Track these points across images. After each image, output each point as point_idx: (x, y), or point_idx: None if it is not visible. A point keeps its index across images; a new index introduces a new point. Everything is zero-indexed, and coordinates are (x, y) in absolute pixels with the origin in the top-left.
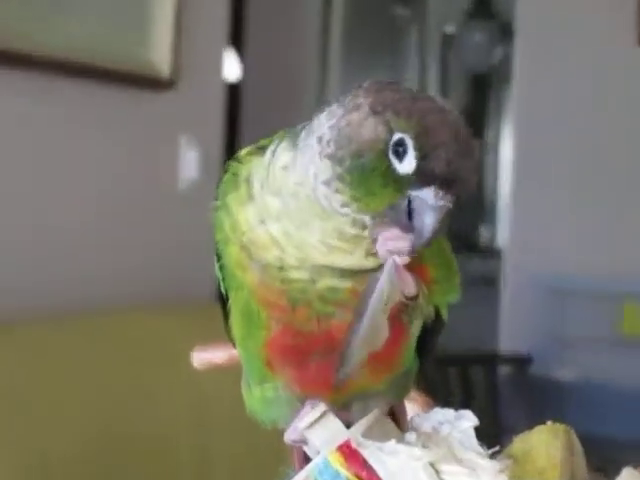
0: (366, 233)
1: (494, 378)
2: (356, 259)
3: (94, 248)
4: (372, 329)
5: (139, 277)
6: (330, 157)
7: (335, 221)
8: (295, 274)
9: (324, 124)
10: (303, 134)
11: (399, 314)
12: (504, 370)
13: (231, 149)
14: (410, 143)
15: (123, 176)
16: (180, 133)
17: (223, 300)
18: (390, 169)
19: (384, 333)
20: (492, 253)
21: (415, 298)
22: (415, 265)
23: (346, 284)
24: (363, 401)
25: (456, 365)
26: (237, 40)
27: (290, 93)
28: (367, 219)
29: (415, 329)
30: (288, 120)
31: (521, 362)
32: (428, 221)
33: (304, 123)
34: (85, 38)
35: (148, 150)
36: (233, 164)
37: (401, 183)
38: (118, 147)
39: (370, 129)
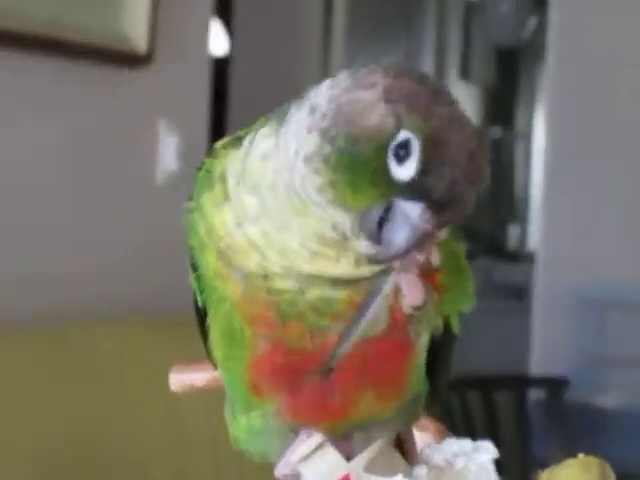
0: (349, 240)
1: (523, 404)
2: (344, 268)
3: (55, 250)
4: (371, 324)
5: (109, 283)
6: (321, 132)
7: (313, 219)
8: (281, 284)
9: (323, 93)
10: (292, 109)
11: (404, 327)
12: (535, 395)
13: (218, 136)
14: (416, 148)
15: (92, 167)
16: (159, 117)
17: (201, 316)
18: (384, 168)
19: (381, 324)
20: (522, 258)
21: (422, 307)
22: (422, 270)
23: (341, 294)
24: (366, 430)
25: (479, 388)
26: (224, 10)
27: (287, 71)
28: (343, 219)
29: (423, 344)
30: (284, 102)
31: (555, 385)
32: (400, 237)
33: (294, 100)
34: (51, 9)
35: (121, 137)
36: (207, 160)
37: (390, 187)
38: (86, 133)
39: (377, 117)
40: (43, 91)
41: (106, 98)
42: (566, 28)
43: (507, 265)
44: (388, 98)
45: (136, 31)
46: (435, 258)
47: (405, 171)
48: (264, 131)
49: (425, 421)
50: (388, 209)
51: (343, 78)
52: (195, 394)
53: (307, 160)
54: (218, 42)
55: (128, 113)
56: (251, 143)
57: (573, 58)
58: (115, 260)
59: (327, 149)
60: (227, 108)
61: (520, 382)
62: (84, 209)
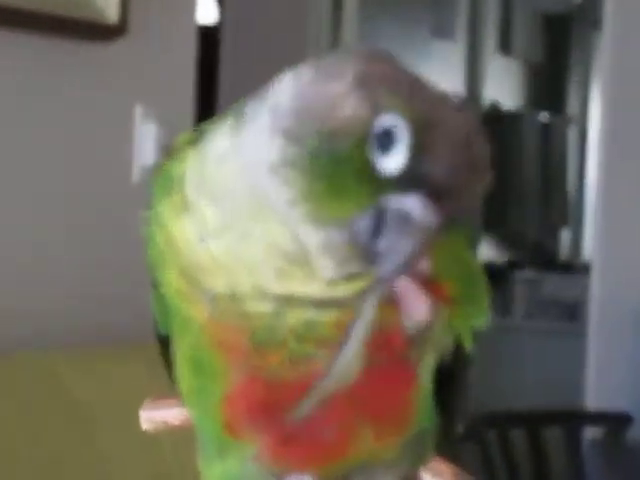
0: (311, 255)
1: (577, 444)
2: (318, 288)
3: (14, 259)
4: (347, 364)
5: (76, 303)
6: (285, 134)
7: (279, 235)
8: (255, 306)
9: (284, 89)
10: (250, 106)
11: (404, 350)
12: (592, 433)
13: (206, 120)
14: (403, 131)
15: (54, 161)
16: (135, 101)
17: (163, 342)
18: (368, 163)
19: (356, 367)
20: (576, 269)
21: (428, 325)
22: (427, 280)
23: (327, 316)
24: (365, 474)
25: (524, 425)
26: None
27: (288, 41)
28: (313, 236)
29: (427, 370)
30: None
31: (615, 422)
32: (403, 244)
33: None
34: None
35: (90, 124)
36: (165, 160)
37: (380, 185)
38: (47, 120)
39: (350, 105)
40: None
41: (70, 78)
42: None
43: (558, 278)
44: (361, 84)
45: None
46: (423, 263)
47: (393, 160)
48: (223, 128)
49: (438, 463)
50: (379, 214)
51: (307, 70)
52: (178, 436)
53: (273, 169)
54: (206, 8)
55: (97, 95)
56: (207, 145)
57: (636, 26)
58: (82, 275)
59: (295, 153)
60: (217, 85)
61: (573, 418)
62: (48, 212)
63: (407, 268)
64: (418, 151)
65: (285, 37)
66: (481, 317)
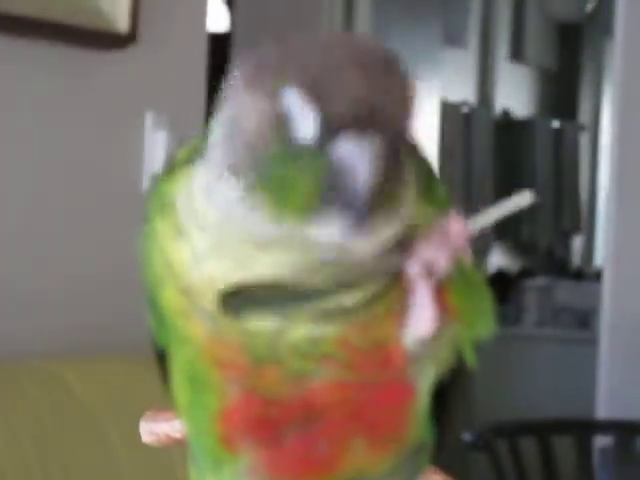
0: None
1: (588, 453)
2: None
3: (21, 268)
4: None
5: (74, 311)
6: (231, 169)
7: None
8: (255, 323)
9: (215, 129)
10: (209, 137)
11: (404, 366)
12: (603, 442)
13: None
14: (298, 95)
15: (65, 170)
16: (145, 109)
17: (160, 357)
18: (294, 146)
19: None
20: (588, 277)
21: (432, 340)
22: (436, 294)
23: (330, 331)
24: None
25: (535, 434)
26: None
27: None
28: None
29: (426, 382)
30: None
31: (627, 431)
32: (359, 173)
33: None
34: None
35: (101, 134)
36: (162, 177)
37: (314, 155)
38: (58, 128)
39: (252, 108)
40: (6, 75)
41: (82, 86)
42: None
43: (570, 285)
44: (250, 83)
45: (115, 6)
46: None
47: (306, 123)
48: (201, 159)
49: (433, 475)
50: (329, 175)
51: (220, 102)
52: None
53: (241, 203)
54: (216, 16)
55: (108, 103)
56: (195, 172)
57: None
58: (92, 282)
59: (245, 180)
60: None
61: (584, 427)
62: (54, 217)
63: (377, 191)
64: (316, 100)
65: None
66: (485, 328)
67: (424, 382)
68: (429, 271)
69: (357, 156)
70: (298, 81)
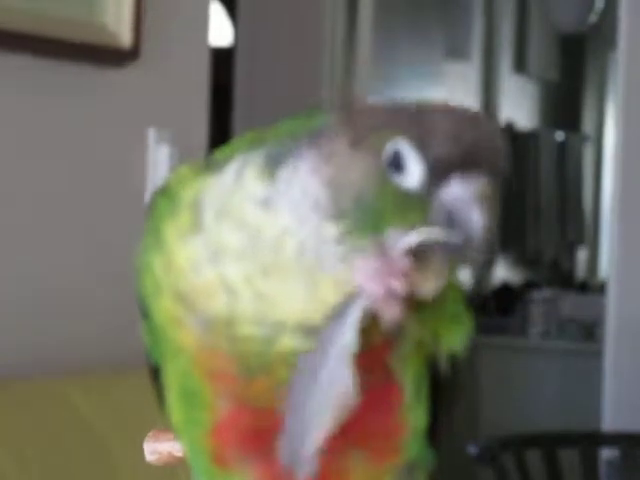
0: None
1: (594, 465)
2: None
3: (17, 285)
4: (330, 384)
5: (92, 329)
6: (333, 217)
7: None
8: (249, 330)
9: (309, 179)
10: (284, 168)
11: (385, 356)
12: (608, 454)
13: (221, 142)
14: (404, 145)
15: (68, 186)
16: (148, 124)
17: (155, 374)
18: (400, 190)
19: (350, 386)
20: (592, 289)
21: (403, 322)
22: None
23: (313, 344)
24: None
25: (541, 447)
26: None
27: (302, 63)
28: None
29: (415, 395)
30: (301, 101)
31: (633, 443)
32: (474, 216)
33: (279, 128)
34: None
35: (104, 149)
36: (171, 185)
37: (420, 199)
38: (61, 144)
39: (359, 165)
40: (11, 92)
41: (84, 102)
42: None
43: (575, 297)
44: (355, 142)
45: (118, 22)
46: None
47: (413, 172)
48: (254, 170)
49: None
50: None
51: (314, 157)
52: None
53: (338, 243)
54: (220, 31)
55: (111, 119)
56: (238, 178)
57: None
58: (95, 295)
59: (349, 224)
60: (232, 107)
61: (590, 439)
62: (59, 233)
63: (491, 235)
64: (423, 148)
65: (300, 58)
66: (462, 336)
67: (414, 394)
68: (385, 295)
69: (469, 197)
70: (405, 132)
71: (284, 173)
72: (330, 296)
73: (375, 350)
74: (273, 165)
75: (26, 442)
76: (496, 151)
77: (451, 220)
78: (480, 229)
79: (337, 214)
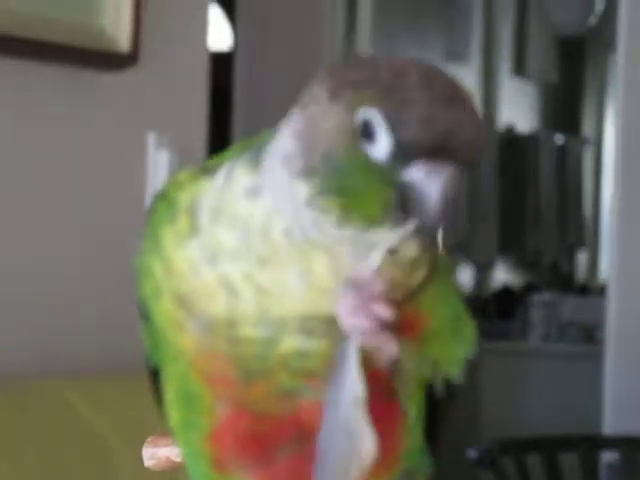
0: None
1: (595, 468)
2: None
3: (15, 289)
4: (348, 438)
5: (88, 332)
6: (302, 173)
7: (325, 260)
8: (250, 331)
9: (286, 136)
10: (268, 150)
11: (387, 383)
12: (609, 458)
13: (221, 146)
14: (377, 116)
15: (68, 190)
16: (148, 129)
17: (154, 377)
18: (368, 160)
19: (368, 440)
20: (592, 292)
21: (400, 360)
22: (405, 313)
23: (317, 345)
24: None
25: (541, 451)
26: None
27: (302, 66)
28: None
29: (415, 405)
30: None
31: (634, 447)
32: (430, 205)
33: (266, 132)
34: (20, 4)
35: (104, 154)
36: (169, 190)
37: (386, 173)
38: (60, 148)
39: (332, 118)
40: (10, 97)
41: (84, 107)
42: None
43: (575, 300)
44: (333, 95)
45: (116, 26)
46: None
47: (382, 144)
48: (242, 165)
49: None
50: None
51: (295, 111)
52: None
53: (309, 205)
54: (219, 34)
55: (111, 123)
56: (228, 178)
57: None
58: (94, 301)
59: (317, 184)
60: (231, 111)
61: (590, 442)
62: (58, 238)
63: (450, 224)
64: (395, 123)
65: (299, 62)
66: (465, 347)
67: (412, 403)
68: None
69: (431, 184)
70: (380, 102)
71: (267, 159)
72: (325, 276)
73: (376, 372)
74: (259, 157)
75: (24, 444)
76: (469, 141)
77: (411, 203)
78: (436, 219)
79: (306, 170)
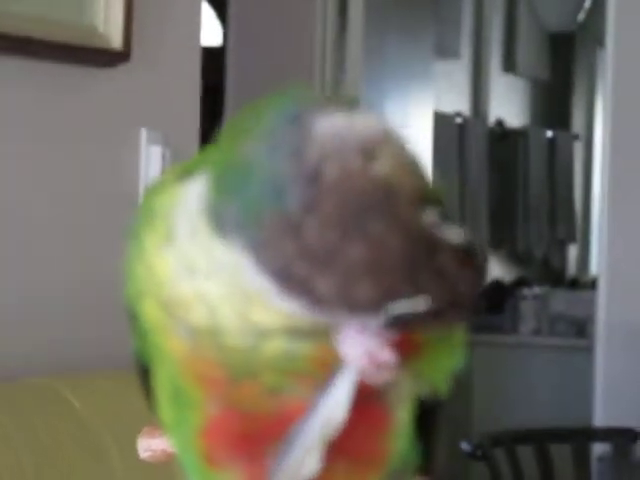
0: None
1: (585, 460)
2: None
3: (22, 285)
4: (303, 450)
5: (84, 329)
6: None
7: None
8: (232, 340)
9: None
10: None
11: (374, 393)
12: (600, 450)
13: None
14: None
15: (60, 187)
16: (140, 125)
17: (143, 373)
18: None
19: (313, 462)
20: (583, 286)
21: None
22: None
23: (305, 349)
24: None
25: (533, 443)
26: None
27: (295, 62)
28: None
29: (405, 410)
30: None
31: (624, 438)
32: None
33: (250, 113)
34: (11, 2)
35: (97, 151)
36: (151, 191)
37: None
38: (54, 145)
39: None
40: (1, 94)
41: (77, 103)
42: (629, 6)
43: (566, 294)
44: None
45: (108, 23)
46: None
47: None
48: (204, 225)
49: None
50: None
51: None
52: None
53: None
54: (210, 31)
55: (103, 120)
56: (200, 202)
57: (638, 42)
58: (85, 300)
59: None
60: (223, 107)
61: (582, 435)
62: (51, 234)
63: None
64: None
65: (290, 58)
66: (454, 359)
67: (401, 404)
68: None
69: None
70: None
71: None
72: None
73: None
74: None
75: (21, 443)
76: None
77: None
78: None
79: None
